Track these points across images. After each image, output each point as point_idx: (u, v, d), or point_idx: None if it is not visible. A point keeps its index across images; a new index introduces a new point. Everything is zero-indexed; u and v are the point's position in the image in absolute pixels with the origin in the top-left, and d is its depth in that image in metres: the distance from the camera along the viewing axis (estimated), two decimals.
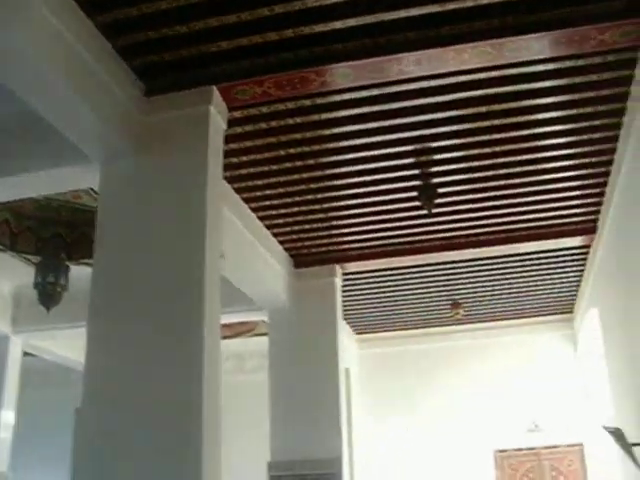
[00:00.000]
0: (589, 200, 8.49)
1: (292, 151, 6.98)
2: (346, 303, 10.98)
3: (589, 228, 9.17)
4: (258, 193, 7.84)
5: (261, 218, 8.47)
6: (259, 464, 9.55)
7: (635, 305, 7.80)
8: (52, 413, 13.18)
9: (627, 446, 7.97)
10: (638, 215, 7.09)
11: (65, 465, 12.05)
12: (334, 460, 9.19)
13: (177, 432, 4.99)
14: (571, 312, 12.91)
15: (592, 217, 8.93)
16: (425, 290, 11.38)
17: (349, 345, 12.56)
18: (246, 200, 7.99)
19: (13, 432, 10.81)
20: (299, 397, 9.43)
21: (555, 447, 12.88)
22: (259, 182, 7.57)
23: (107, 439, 5.10)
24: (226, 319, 8.13)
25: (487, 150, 7.11)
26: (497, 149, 7.10)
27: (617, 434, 8.11)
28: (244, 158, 7.03)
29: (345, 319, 11.67)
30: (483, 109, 6.42)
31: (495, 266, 10.53)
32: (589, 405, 12.77)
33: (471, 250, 9.53)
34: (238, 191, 7.75)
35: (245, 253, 8.19)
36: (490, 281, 11.15)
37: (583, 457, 12.71)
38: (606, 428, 8.71)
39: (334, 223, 8.76)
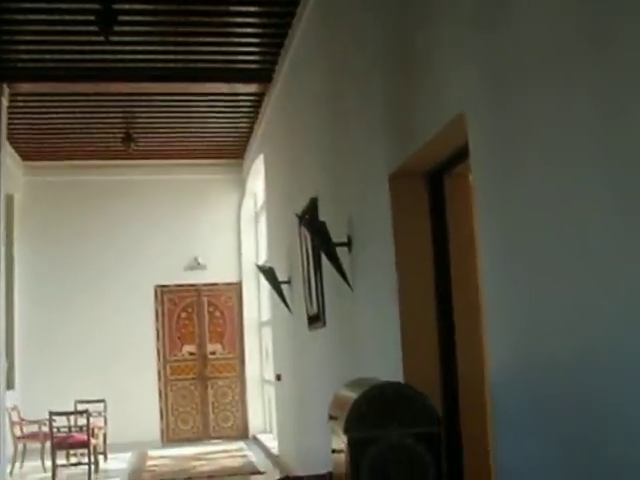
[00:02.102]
0: (268, 49, 8.71)
1: None
2: (13, 125, 10.34)
3: (265, 76, 9.43)
4: None
5: None
6: None
7: (295, 155, 8.31)
8: None
9: (276, 283, 8.70)
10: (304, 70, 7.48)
11: None
12: None
13: None
14: (242, 157, 13.33)
15: (269, 66, 9.17)
16: (98, 120, 11.08)
17: (14, 171, 11.97)
18: None
19: None
20: None
21: (214, 285, 13.55)
22: None
23: None
24: None
25: None
26: None
27: (269, 273, 8.78)
28: None
29: (10, 142, 11.05)
30: None
31: (171, 103, 10.54)
32: (248, 247, 13.52)
33: (148, 84, 9.44)
34: None
35: None
36: (165, 118, 11.15)
37: (240, 295, 13.53)
38: (260, 267, 9.39)
39: (4, 37, 8.12)
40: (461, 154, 3.95)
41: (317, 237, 5.88)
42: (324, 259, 6.18)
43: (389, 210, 4.68)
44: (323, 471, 3.63)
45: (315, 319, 7.16)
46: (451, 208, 4.52)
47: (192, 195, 13.52)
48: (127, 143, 11.21)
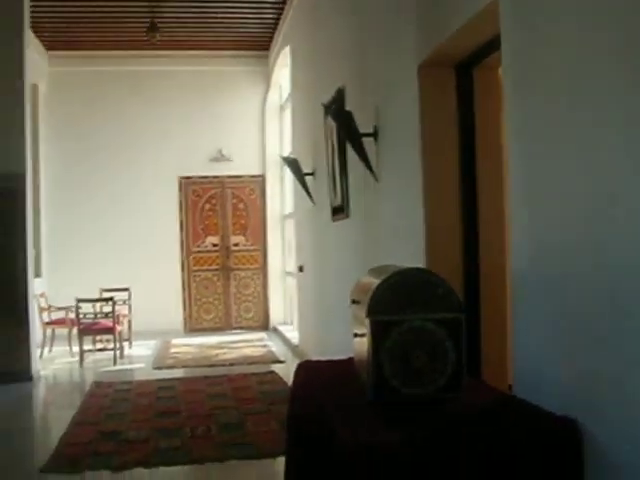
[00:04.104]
0: None
1: None
2: (36, 15, 10.22)
3: None
4: None
5: None
6: None
7: (322, 46, 8.16)
8: None
9: (300, 175, 8.72)
10: None
11: None
12: (18, 176, 9.01)
13: None
14: (267, 49, 13.14)
15: None
16: (123, 9, 10.94)
17: (38, 61, 11.90)
18: None
19: None
20: None
21: (238, 177, 13.58)
22: None
23: None
24: None
25: None
26: None
27: (294, 164, 8.78)
28: None
29: (35, 32, 10.95)
30: None
31: None
32: (272, 140, 13.48)
33: None
34: None
35: None
36: (190, 7, 10.98)
37: (264, 187, 13.57)
38: (285, 158, 9.39)
39: None
40: (492, 45, 3.86)
41: (343, 127, 5.84)
42: (349, 150, 6.16)
43: (417, 101, 4.63)
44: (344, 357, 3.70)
45: (339, 210, 7.19)
46: (479, 101, 4.46)
47: (217, 87, 13.43)
48: (152, 33, 11.05)
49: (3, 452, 5.99)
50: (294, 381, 3.62)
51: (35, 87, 11.68)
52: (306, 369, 3.66)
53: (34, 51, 10.87)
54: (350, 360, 3.42)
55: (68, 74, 13.03)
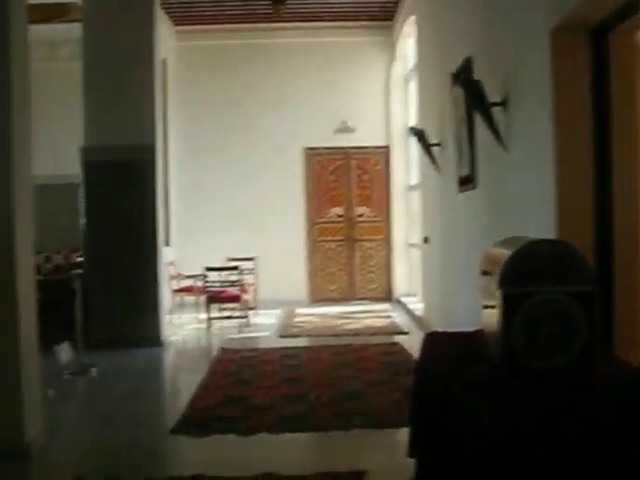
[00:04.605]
0: None
1: None
2: None
3: None
4: None
5: None
6: (74, 151, 9.56)
7: (449, 15, 8.01)
8: None
9: (427, 146, 8.64)
10: None
11: None
12: (148, 147, 9.33)
13: None
14: (391, 19, 13.03)
15: None
16: None
17: (167, 36, 12.21)
18: None
19: None
20: (114, 85, 9.30)
21: (363, 148, 13.57)
22: None
23: None
24: None
25: None
26: None
27: (420, 135, 8.71)
28: None
29: (164, 9, 11.23)
30: None
31: None
32: (396, 111, 13.39)
33: None
34: None
35: None
36: None
37: (388, 158, 13.52)
38: (412, 128, 9.32)
39: None
40: (630, 8, 3.69)
41: (471, 97, 5.74)
42: (477, 120, 6.05)
43: (548, 69, 4.48)
44: (472, 329, 3.66)
45: (466, 181, 7.08)
46: (615, 68, 4.26)
47: (342, 58, 13.43)
48: (277, 5, 11.12)
49: (136, 413, 6.26)
50: (421, 352, 3.60)
51: (164, 62, 12.00)
52: (433, 340, 3.64)
53: (163, 26, 11.14)
54: (478, 332, 3.38)
55: (195, 48, 13.33)
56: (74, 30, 10.46)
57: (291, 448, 5.20)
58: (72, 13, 11.26)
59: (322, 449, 5.28)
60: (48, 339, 5.69)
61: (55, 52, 12.75)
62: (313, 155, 13.57)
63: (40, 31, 10.11)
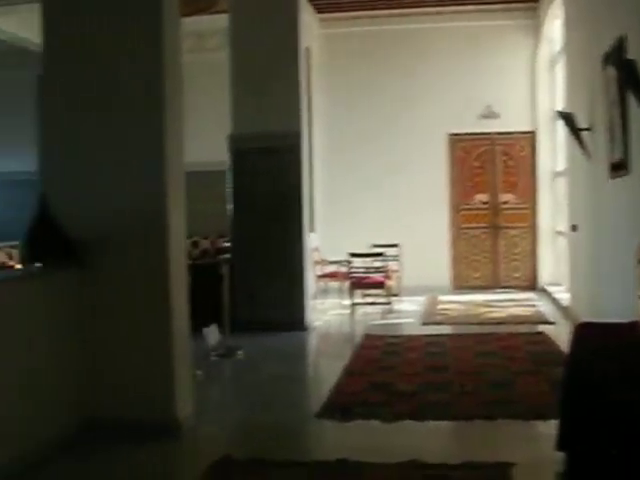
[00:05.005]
0: None
1: None
2: None
3: None
4: None
5: None
6: (223, 138, 9.85)
7: None
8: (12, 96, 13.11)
9: (575, 130, 8.34)
10: None
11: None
12: (293, 134, 9.50)
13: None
14: (536, 1, 12.66)
15: None
16: None
17: (310, 24, 12.33)
18: None
19: None
20: (259, 74, 9.51)
21: (508, 133, 13.27)
22: None
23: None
24: None
25: None
26: None
27: (569, 119, 8.42)
28: None
29: None
30: None
31: None
32: (543, 95, 13.00)
33: None
34: None
35: None
36: None
37: (534, 144, 13.17)
38: (560, 112, 9.02)
39: None
40: None
41: (625, 77, 5.50)
42: (631, 102, 5.79)
43: None
44: (624, 320, 3.52)
45: (618, 167, 6.79)
46: None
47: (484, 42, 13.18)
48: None
49: (282, 395, 6.41)
50: (572, 344, 3.50)
51: (308, 50, 12.13)
52: (585, 332, 3.53)
53: (306, 15, 11.27)
54: (633, 324, 3.25)
55: (337, 36, 13.41)
56: (220, 21, 10.77)
57: (435, 436, 5.17)
58: (219, 4, 11.58)
59: (466, 438, 5.21)
60: (196, 321, 5.87)
61: (202, 43, 13.14)
62: (457, 141, 13.39)
63: (187, 23, 10.44)
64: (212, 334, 7.94)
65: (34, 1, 5.85)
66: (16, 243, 12.02)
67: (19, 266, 10.16)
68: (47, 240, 5.13)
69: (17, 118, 12.90)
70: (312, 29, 12.74)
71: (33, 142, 10.26)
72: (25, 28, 10.99)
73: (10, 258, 11.92)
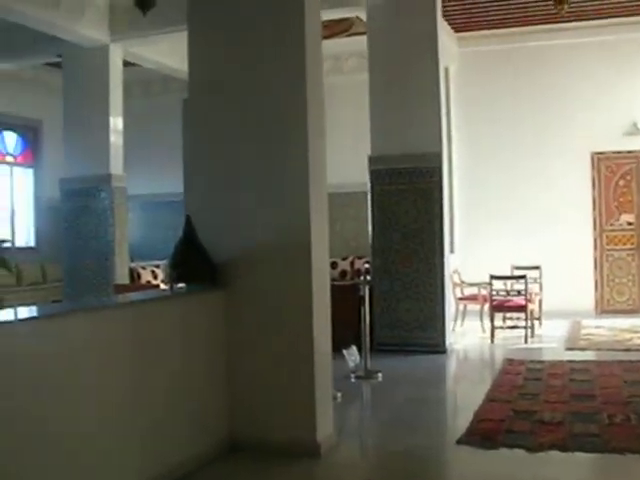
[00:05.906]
0: None
1: None
2: (446, 1, 10.54)
3: None
4: None
5: None
6: (360, 160, 9.94)
7: None
8: (156, 120, 13.63)
9: None
10: None
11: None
12: (434, 155, 9.47)
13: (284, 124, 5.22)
14: None
15: None
16: None
17: (448, 44, 12.25)
18: None
19: (123, 138, 11.35)
20: (399, 95, 9.55)
21: None
22: None
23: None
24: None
25: None
26: None
27: None
28: None
29: (445, 17, 11.29)
30: None
31: None
32: None
33: None
34: None
35: None
36: None
37: None
38: None
39: None
40: None
41: None
42: None
43: None
44: None
45: None
46: None
47: (629, 56, 12.69)
48: (560, 5, 10.73)
49: (422, 420, 6.33)
50: None
51: (446, 70, 12.07)
52: None
53: (444, 35, 11.23)
54: None
55: (475, 54, 13.28)
56: (356, 43, 10.87)
57: (584, 469, 5.00)
58: (355, 27, 11.70)
59: (618, 473, 4.96)
60: (336, 343, 5.90)
61: (340, 65, 13.33)
62: (601, 159, 12.95)
63: (325, 46, 10.60)
64: (352, 355, 7.96)
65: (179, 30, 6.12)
66: (159, 263, 12.48)
67: (163, 286, 10.54)
68: (193, 262, 5.29)
69: (161, 141, 13.41)
70: (451, 48, 12.67)
71: (176, 164, 10.66)
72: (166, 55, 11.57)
73: (155, 277, 12.35)
